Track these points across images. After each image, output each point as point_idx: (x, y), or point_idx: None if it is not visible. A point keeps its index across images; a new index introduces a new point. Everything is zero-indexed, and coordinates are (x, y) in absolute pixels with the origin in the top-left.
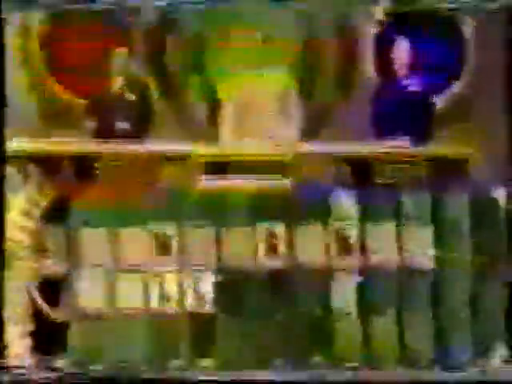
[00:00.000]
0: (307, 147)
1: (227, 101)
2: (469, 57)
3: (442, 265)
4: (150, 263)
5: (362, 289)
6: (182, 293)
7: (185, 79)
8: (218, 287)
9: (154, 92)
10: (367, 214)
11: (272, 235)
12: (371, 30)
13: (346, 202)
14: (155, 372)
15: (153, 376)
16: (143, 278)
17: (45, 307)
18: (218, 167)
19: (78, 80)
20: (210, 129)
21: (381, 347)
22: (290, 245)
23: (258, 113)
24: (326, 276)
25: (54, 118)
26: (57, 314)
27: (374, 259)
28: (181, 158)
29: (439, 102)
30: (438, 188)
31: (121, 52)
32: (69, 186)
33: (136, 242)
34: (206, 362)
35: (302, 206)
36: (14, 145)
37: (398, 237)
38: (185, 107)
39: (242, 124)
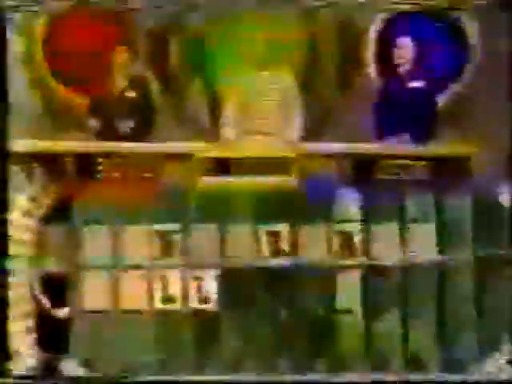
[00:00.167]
0: (310, 147)
1: (229, 100)
2: (471, 56)
3: (446, 264)
4: (154, 263)
5: (365, 288)
6: (185, 292)
7: (187, 79)
8: (222, 286)
9: (156, 91)
10: (370, 214)
11: (275, 235)
12: (373, 30)
13: (349, 202)
14: (159, 372)
15: (156, 376)
16: (146, 277)
17: (48, 306)
18: (221, 166)
19: (80, 79)
20: (212, 128)
21: (384, 347)
22: (294, 244)
23: (260, 112)
24: (329, 276)
25: (57, 117)
26: (60, 313)
27: (378, 259)
28: (183, 158)
29: (441, 101)
30: (440, 188)
31: (123, 51)
32: (72, 185)
33: (139, 241)
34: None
35: (306, 206)
36: (17, 144)
37: (402, 236)
38: (187, 107)
39: (243, 123)
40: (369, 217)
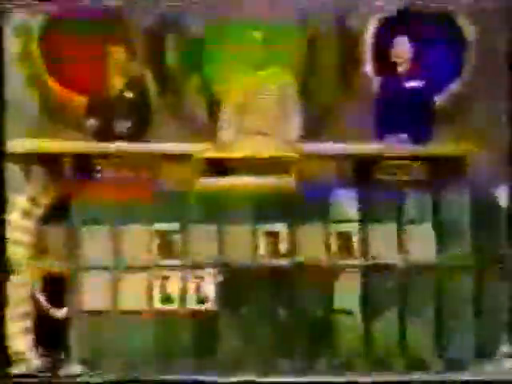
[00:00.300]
0: (308, 147)
1: (227, 100)
2: (469, 56)
3: (444, 264)
4: (153, 262)
5: (364, 289)
6: (184, 292)
7: (184, 79)
8: (221, 287)
9: (154, 91)
10: (369, 214)
11: (274, 235)
12: (371, 29)
13: (347, 202)
14: (157, 372)
15: (155, 376)
16: (145, 277)
17: (47, 306)
18: (219, 167)
19: (78, 79)
20: (210, 128)
21: (384, 347)
22: (292, 244)
23: (258, 113)
24: (328, 276)
25: (55, 117)
26: (59, 313)
27: (376, 259)
28: (182, 158)
29: (439, 101)
30: (438, 187)
31: (120, 51)
32: (70, 185)
33: (138, 241)
34: (210, 362)
35: (304, 206)
36: (15, 144)
37: (400, 236)
38: (185, 107)
39: (242, 124)
40: (367, 217)
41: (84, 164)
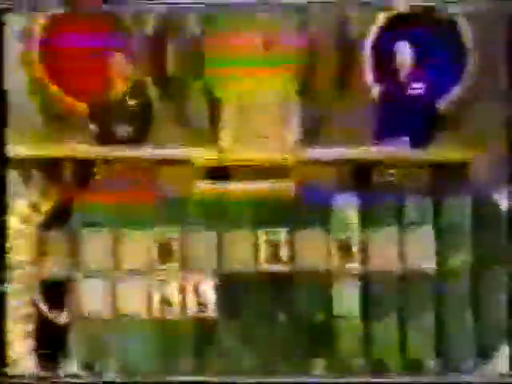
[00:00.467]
0: (308, 152)
1: (227, 105)
2: (469, 60)
3: (444, 268)
4: (153, 267)
5: (363, 293)
6: (183, 297)
7: (185, 83)
8: (220, 291)
9: (154, 96)
10: (369, 218)
11: (273, 240)
12: (371, 34)
13: (347, 207)
14: (157, 376)
15: (154, 380)
16: (145, 281)
17: (47, 311)
18: (220, 172)
19: (79, 84)
20: (210, 133)
21: (383, 351)
22: (292, 249)
23: (258, 117)
24: (327, 280)
25: (56, 122)
26: (59, 318)
27: (376, 263)
28: (182, 163)
29: (440, 105)
30: (439, 191)
31: (121, 56)
32: (70, 190)
33: (138, 246)
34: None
35: (304, 211)
36: (16, 149)
37: (400, 240)
38: (185, 111)
39: (242, 128)
40: (367, 221)
41: (84, 169)
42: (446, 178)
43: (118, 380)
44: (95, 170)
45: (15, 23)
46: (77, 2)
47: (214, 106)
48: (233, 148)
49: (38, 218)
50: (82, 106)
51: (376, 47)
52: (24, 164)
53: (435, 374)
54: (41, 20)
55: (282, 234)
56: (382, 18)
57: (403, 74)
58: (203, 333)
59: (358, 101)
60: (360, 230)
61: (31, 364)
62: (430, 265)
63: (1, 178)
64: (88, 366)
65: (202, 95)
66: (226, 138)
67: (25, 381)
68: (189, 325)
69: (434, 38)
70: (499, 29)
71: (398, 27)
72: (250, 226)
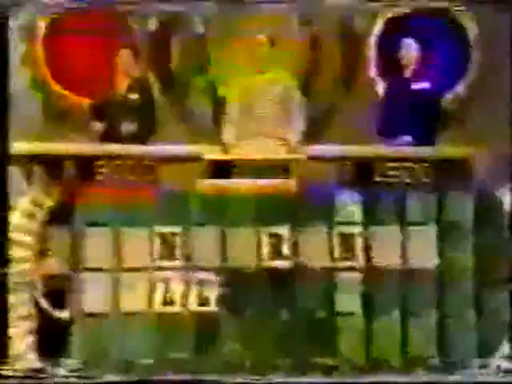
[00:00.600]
0: (311, 149)
1: (231, 102)
2: (473, 57)
3: (446, 266)
4: (155, 264)
5: (365, 290)
6: (186, 294)
7: (188, 81)
8: (223, 288)
9: (158, 93)
10: (371, 216)
11: (276, 237)
12: (375, 31)
13: (349, 204)
14: (158, 373)
15: (156, 377)
16: (147, 279)
17: (49, 308)
18: (222, 169)
19: (82, 82)
20: (213, 130)
21: (385, 348)
22: (294, 246)
23: (261, 114)
24: (329, 277)
25: (58, 119)
26: (60, 315)
27: (378, 260)
28: (184, 160)
29: (443, 102)
30: (442, 189)
31: (126, 54)
32: (73, 187)
33: (140, 243)
34: (210, 363)
35: (306, 208)
36: (18, 146)
37: (402, 238)
38: (188, 109)
39: (245, 125)
40: (369, 219)
41: (86, 166)
42: (448, 175)
43: (120, 378)
44: (97, 167)
45: (18, 22)
46: None
47: (218, 104)
48: (236, 145)
49: (41, 215)
50: (84, 104)
51: (380, 44)
52: (26, 161)
53: (437, 372)
54: (44, 18)
55: (284, 230)
56: (386, 14)
57: (408, 71)
58: (205, 330)
59: (362, 98)
60: (362, 227)
61: (32, 361)
62: (432, 262)
63: (3, 175)
64: (89, 364)
65: (206, 92)
66: (228, 135)
67: (26, 378)
68: (191, 322)
69: (438, 35)
70: (503, 25)
71: (402, 24)
72: (253, 222)
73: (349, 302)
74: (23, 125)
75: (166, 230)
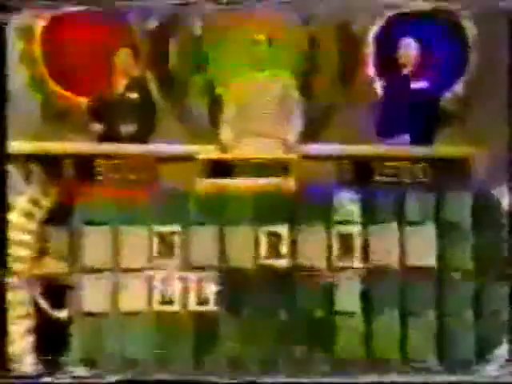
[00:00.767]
0: (309, 148)
1: (229, 102)
2: (471, 57)
3: (445, 265)
4: (154, 264)
5: (364, 290)
6: (184, 294)
7: (186, 80)
8: (221, 288)
9: (156, 92)
10: (370, 215)
11: (275, 236)
12: (374, 30)
13: (348, 203)
14: (158, 373)
15: (155, 377)
16: (146, 278)
17: (47, 308)
18: (221, 168)
19: (81, 81)
20: (212, 130)
21: (384, 348)
22: (293, 245)
23: (259, 114)
24: (328, 277)
25: (57, 118)
26: (60, 315)
27: (377, 260)
28: (183, 160)
29: (442, 102)
30: (440, 189)
31: (125, 53)
32: (71, 187)
33: (139, 242)
34: (209, 362)
35: (305, 207)
36: (17, 146)
37: (401, 237)
38: (186, 108)
39: (243, 125)
40: (368, 218)
41: (85, 165)
42: (447, 175)
43: (119, 377)
44: (96, 166)
45: (17, 21)
46: None
47: (216, 103)
48: (234, 144)
49: (40, 214)
50: (82, 103)
51: (379, 43)
52: (24, 160)
53: (436, 372)
54: (42, 17)
55: (283, 230)
56: (385, 14)
57: (407, 70)
58: (204, 330)
59: (361, 97)
60: (361, 227)
61: (32, 361)
62: (430, 261)
63: (1, 174)
64: (88, 364)
65: (204, 92)
66: (227, 134)
67: (25, 379)
68: (190, 321)
69: (437, 34)
70: (502, 25)
71: (401, 24)
72: (251, 222)
73: (348, 301)
74: (22, 124)
75: (165, 229)
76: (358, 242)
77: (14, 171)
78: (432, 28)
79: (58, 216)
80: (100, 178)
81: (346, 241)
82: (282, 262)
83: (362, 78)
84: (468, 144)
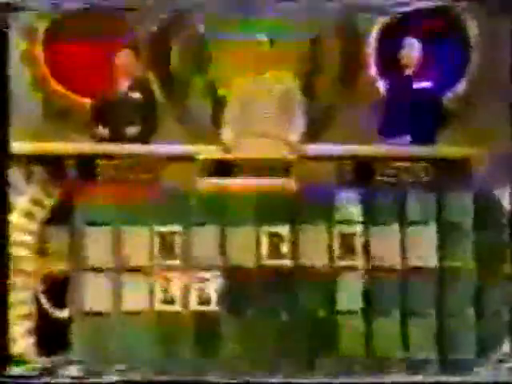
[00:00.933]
0: (310, 148)
1: (230, 102)
2: (473, 57)
3: (446, 265)
4: (155, 264)
5: (366, 289)
6: (186, 294)
7: (188, 80)
8: (223, 288)
9: (158, 93)
10: (371, 215)
11: (276, 236)
12: (376, 30)
13: (349, 203)
14: (159, 373)
15: (157, 377)
16: (148, 278)
17: (49, 308)
18: (222, 168)
19: (83, 81)
20: (213, 130)
21: (385, 348)
22: (295, 246)
23: (261, 114)
24: (330, 277)
25: (58, 118)
26: (61, 315)
27: (378, 260)
28: (184, 159)
29: (444, 101)
30: (441, 188)
31: (127, 54)
32: (73, 186)
33: (141, 242)
34: (210, 363)
35: (306, 207)
36: (18, 146)
37: (402, 238)
38: (188, 108)
39: (244, 125)
40: (369, 218)
41: (86, 165)
42: (448, 175)
43: (119, 377)
44: (98, 166)
45: (19, 21)
46: None
47: (218, 103)
48: (236, 145)
49: (41, 214)
50: (84, 104)
51: (381, 43)
52: (26, 160)
53: (437, 372)
54: (44, 17)
55: (284, 230)
56: (388, 13)
57: (409, 70)
58: (206, 329)
59: (363, 97)
60: (362, 227)
61: (33, 362)
62: (432, 261)
63: (3, 174)
64: (89, 364)
65: (205, 92)
66: (229, 134)
67: (26, 378)
68: (191, 321)
69: (439, 34)
70: (504, 25)
71: (403, 23)
72: (253, 222)
73: (349, 301)
74: (23, 124)
75: (167, 229)
76: (359, 242)
77: (15, 171)
78: (434, 28)
79: (60, 216)
80: (101, 178)
81: (347, 241)
82: (284, 262)
83: (364, 78)
84: (470, 144)
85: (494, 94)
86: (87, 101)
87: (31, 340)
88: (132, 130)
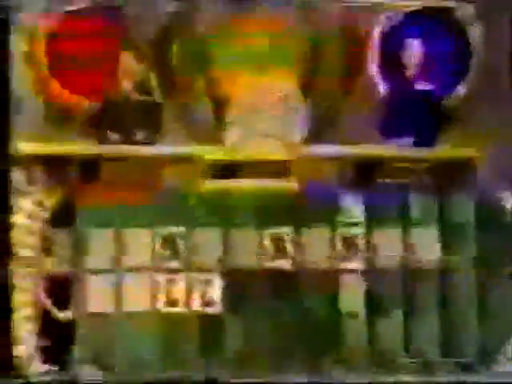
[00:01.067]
0: (312, 149)
1: (232, 103)
2: (475, 58)
3: (449, 266)
4: (157, 265)
5: (368, 290)
6: (189, 295)
7: (190, 81)
8: (226, 289)
9: (160, 94)
10: (373, 216)
11: (279, 237)
12: (377, 31)
13: (351, 205)
14: (162, 373)
15: (160, 378)
16: (150, 279)
17: (52, 309)
18: (224, 169)
19: (84, 83)
20: (215, 130)
21: (388, 348)
22: (297, 247)
23: (263, 115)
24: (332, 278)
25: (60, 120)
26: (64, 316)
27: (381, 261)
28: (186, 161)
29: (446, 103)
30: (443, 190)
31: (127, 54)
32: (75, 188)
33: (143, 244)
34: (213, 363)
35: (308, 209)
36: (20, 147)
37: (404, 239)
38: (190, 109)
39: (246, 126)
40: (371, 220)
41: (89, 167)
42: (451, 176)
43: (123, 378)
44: (100, 168)
45: (20, 21)
46: None
47: (219, 104)
48: (237, 146)
49: (44, 214)
50: (86, 104)
51: (382, 44)
52: (28, 162)
53: (439, 373)
54: (46, 18)
55: (286, 231)
56: (389, 14)
57: (411, 71)
58: (208, 331)
59: (364, 98)
60: (365, 228)
61: (36, 363)
62: (434, 263)
63: (5, 176)
64: (93, 365)
65: (207, 93)
66: (230, 135)
67: (31, 380)
68: (194, 322)
69: (440, 35)
70: (505, 25)
71: (405, 24)
72: (255, 223)
73: (352, 302)
74: (25, 125)
75: (169, 230)
76: (361, 244)
77: (17, 172)
78: (435, 28)
79: (62, 217)
80: (104, 179)
81: (349, 242)
82: (286, 264)
83: (366, 78)
84: (472, 146)
85: (496, 95)
86: (89, 102)
87: (34, 341)
88: (142, 134)
